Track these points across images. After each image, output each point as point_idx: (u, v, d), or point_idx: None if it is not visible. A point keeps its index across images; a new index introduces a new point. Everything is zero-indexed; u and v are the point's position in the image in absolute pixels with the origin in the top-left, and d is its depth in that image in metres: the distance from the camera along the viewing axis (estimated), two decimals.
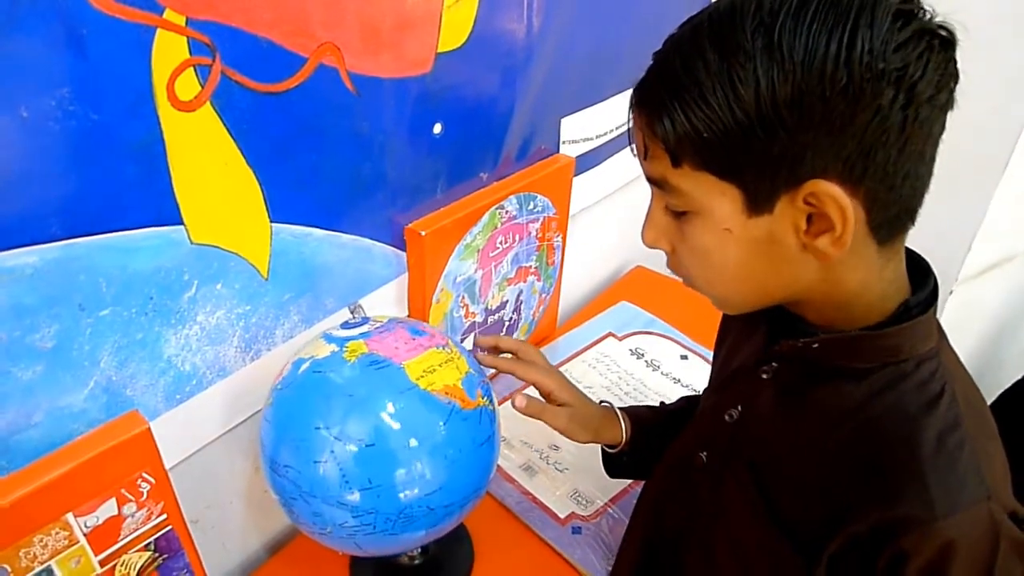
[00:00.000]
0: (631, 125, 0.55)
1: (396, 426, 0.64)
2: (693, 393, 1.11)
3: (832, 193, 0.47)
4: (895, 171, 0.47)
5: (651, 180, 0.55)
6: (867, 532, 0.50)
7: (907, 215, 0.51)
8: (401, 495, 0.64)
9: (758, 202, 0.50)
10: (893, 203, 0.49)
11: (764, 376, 0.60)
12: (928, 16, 0.46)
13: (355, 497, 0.63)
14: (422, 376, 0.66)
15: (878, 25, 0.44)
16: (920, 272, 0.56)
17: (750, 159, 0.48)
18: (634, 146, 0.56)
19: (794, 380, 0.58)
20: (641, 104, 0.53)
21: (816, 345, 0.55)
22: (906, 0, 0.45)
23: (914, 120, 0.45)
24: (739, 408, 0.63)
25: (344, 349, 0.67)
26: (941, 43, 0.45)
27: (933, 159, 0.49)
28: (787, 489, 0.57)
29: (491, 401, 0.72)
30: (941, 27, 0.46)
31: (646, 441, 0.82)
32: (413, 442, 0.64)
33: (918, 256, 0.57)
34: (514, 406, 0.77)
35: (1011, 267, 1.56)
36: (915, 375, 0.52)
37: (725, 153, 0.48)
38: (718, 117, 0.47)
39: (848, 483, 0.52)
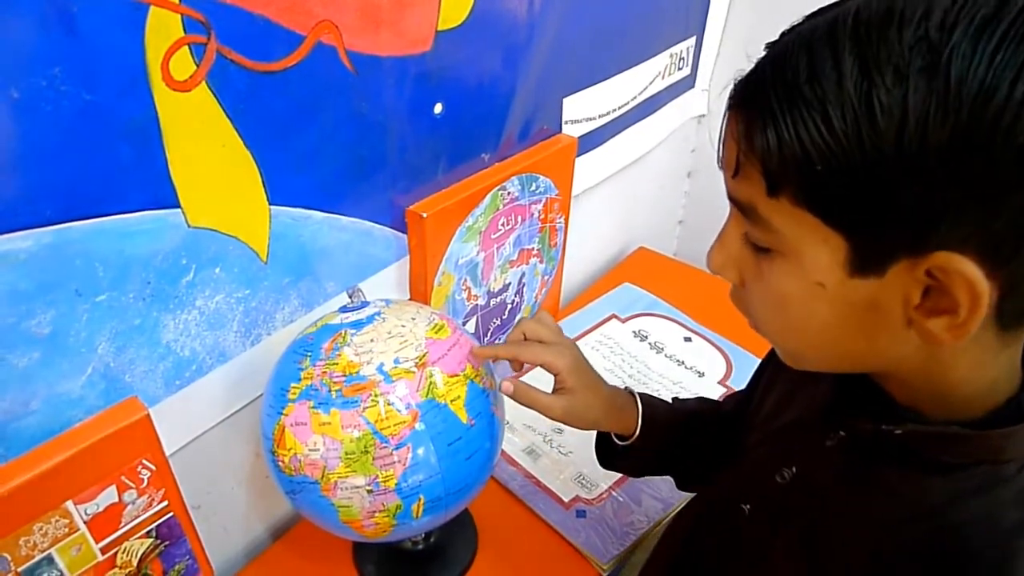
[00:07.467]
0: (723, 129, 0.44)
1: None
2: (706, 390, 1.11)
3: (967, 273, 0.36)
4: None
5: (735, 202, 0.44)
6: None
7: None
8: None
9: (866, 261, 0.39)
10: None
11: (828, 443, 0.51)
12: None
13: None
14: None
15: None
16: None
17: (869, 208, 0.37)
18: (722, 158, 0.44)
19: (864, 457, 0.49)
20: (741, 104, 0.41)
21: (899, 433, 0.45)
22: None
23: None
24: (793, 470, 0.54)
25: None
26: None
27: None
28: (843, 572, 0.49)
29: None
30: None
31: (654, 441, 0.74)
32: None
33: None
34: (500, 389, 0.67)
35: None
36: (1015, 482, 0.42)
37: (838, 193, 0.38)
38: (840, 146, 0.36)
39: None
